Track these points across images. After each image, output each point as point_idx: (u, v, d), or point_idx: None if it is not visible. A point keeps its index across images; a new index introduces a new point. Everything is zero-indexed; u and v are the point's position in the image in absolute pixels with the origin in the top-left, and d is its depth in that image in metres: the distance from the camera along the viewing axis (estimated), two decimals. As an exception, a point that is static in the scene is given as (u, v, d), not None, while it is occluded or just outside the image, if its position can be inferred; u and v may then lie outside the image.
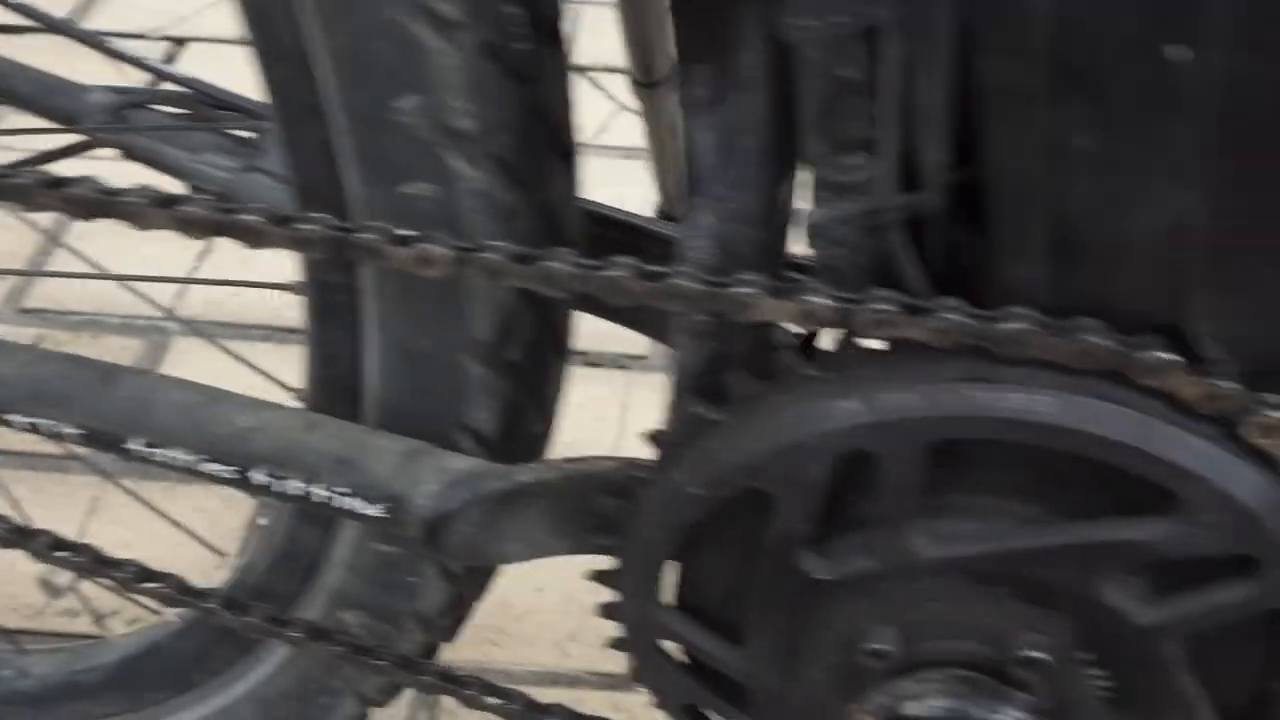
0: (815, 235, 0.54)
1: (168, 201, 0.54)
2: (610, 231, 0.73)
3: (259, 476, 0.62)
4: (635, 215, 0.73)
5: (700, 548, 0.60)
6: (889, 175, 0.52)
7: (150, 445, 0.63)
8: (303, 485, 0.62)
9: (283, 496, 0.63)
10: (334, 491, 0.62)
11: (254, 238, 0.53)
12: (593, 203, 0.73)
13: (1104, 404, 0.50)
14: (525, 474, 0.62)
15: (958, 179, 0.53)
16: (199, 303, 1.61)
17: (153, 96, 0.83)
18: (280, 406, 0.64)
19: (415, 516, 0.62)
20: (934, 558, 0.54)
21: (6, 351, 0.67)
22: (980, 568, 0.54)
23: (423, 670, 0.76)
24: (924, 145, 0.51)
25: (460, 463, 0.62)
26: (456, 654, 1.29)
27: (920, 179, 0.52)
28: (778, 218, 0.58)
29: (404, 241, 0.53)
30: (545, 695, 1.32)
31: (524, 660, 1.29)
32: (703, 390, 0.58)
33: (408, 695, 1.23)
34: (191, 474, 0.64)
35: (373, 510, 0.62)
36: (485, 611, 1.34)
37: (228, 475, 0.63)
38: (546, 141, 0.58)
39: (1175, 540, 0.51)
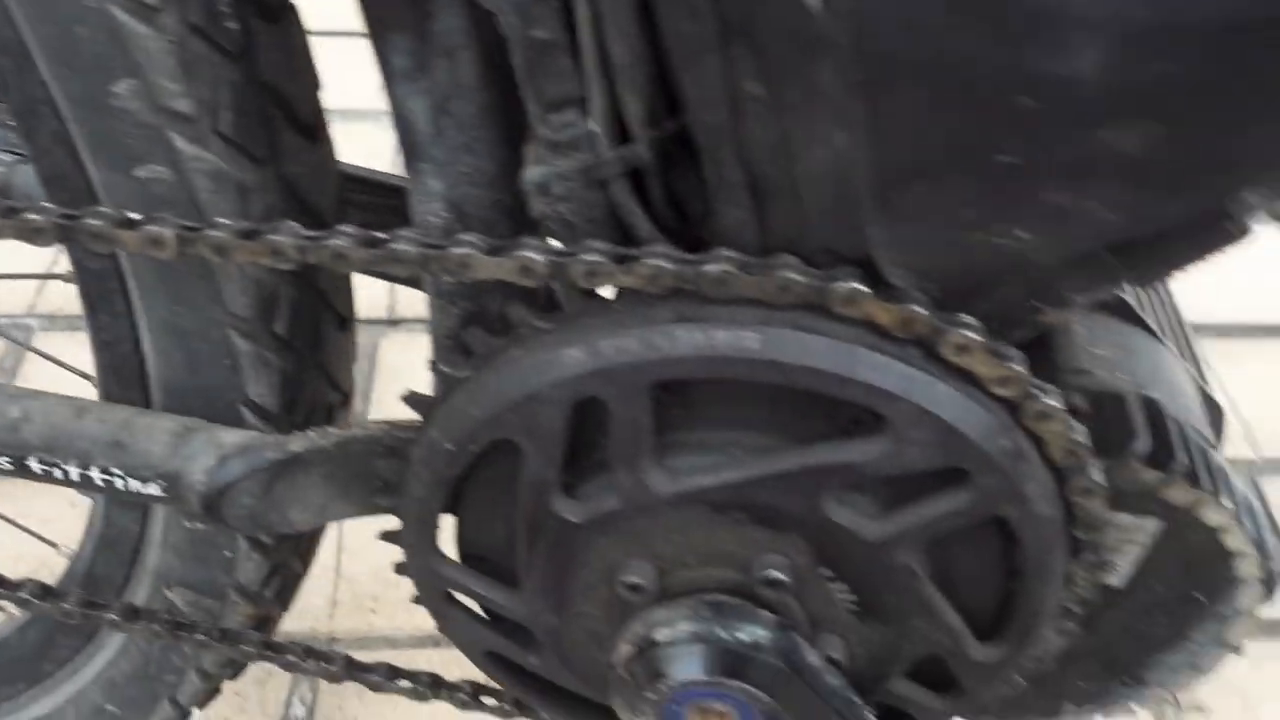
0: (536, 192, 0.55)
1: (-108, 201, 0.55)
2: (388, 197, 0.74)
3: (35, 465, 0.63)
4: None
5: (469, 500, 0.63)
6: (601, 131, 0.54)
7: (-77, 442, 0.64)
8: (78, 470, 0.63)
9: (65, 482, 0.64)
10: (110, 474, 0.63)
11: (-21, 231, 0.54)
12: (369, 170, 0.75)
13: (806, 335, 0.53)
14: (299, 443, 0.64)
15: (667, 130, 0.55)
16: (60, 297, 1.60)
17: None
18: (49, 395, 0.65)
19: (192, 491, 0.63)
20: (672, 493, 0.56)
21: None
22: (716, 498, 0.57)
23: (242, 641, 0.77)
24: (626, 100, 0.53)
25: (233, 436, 0.64)
26: (337, 624, 1.32)
27: (630, 133, 0.54)
28: (511, 177, 0.59)
29: (129, 225, 0.54)
30: (424, 658, 1.35)
31: (403, 625, 1.31)
32: (452, 349, 0.60)
33: (287, 675, 1.25)
34: (-30, 468, 0.65)
35: (151, 489, 0.64)
36: (363, 580, 1.37)
37: (5, 466, 0.64)
38: (279, 116, 0.59)
39: (887, 458, 0.54)
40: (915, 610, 0.60)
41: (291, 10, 0.60)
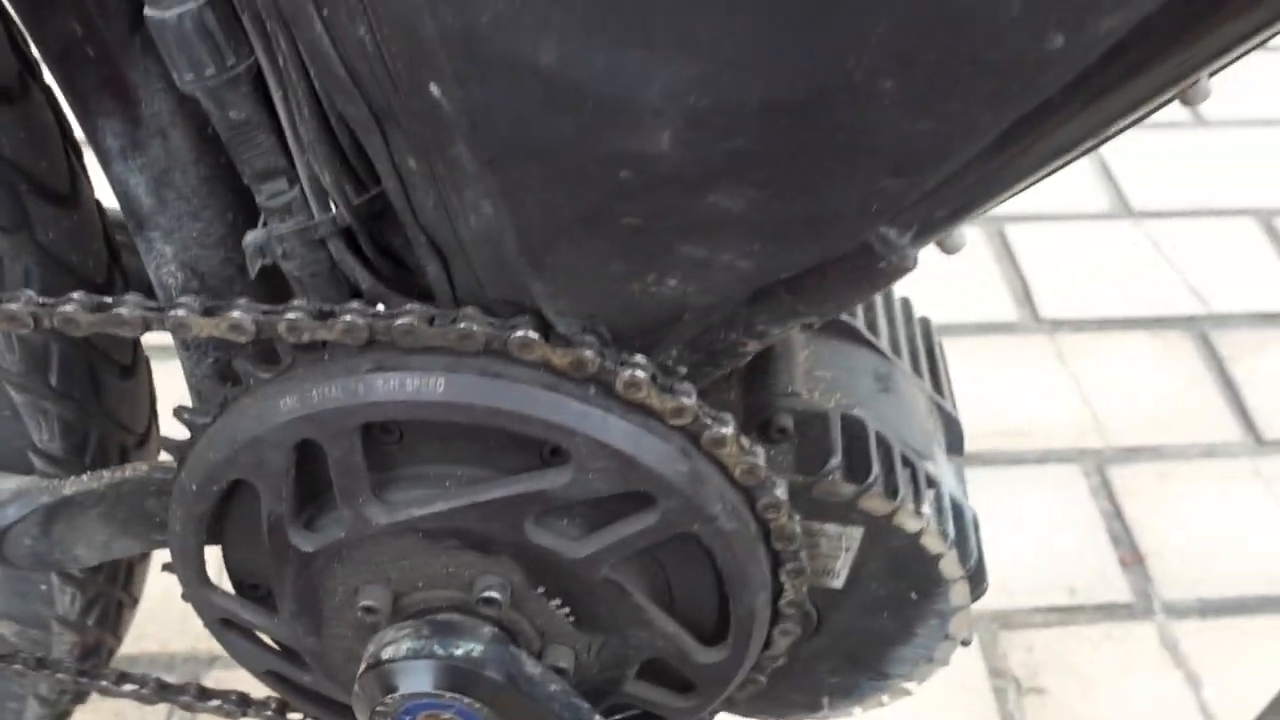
0: (254, 254, 0.61)
1: None
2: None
3: None
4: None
5: (229, 533, 0.68)
6: (306, 198, 0.59)
7: None
8: None
9: None
10: (-104, 522, 0.68)
11: None
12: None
13: (488, 379, 0.58)
14: (71, 486, 0.69)
15: (365, 196, 0.60)
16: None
17: None
18: None
19: (-27, 535, 0.68)
20: (388, 523, 0.62)
21: None
22: (429, 527, 0.62)
23: (60, 669, 0.82)
24: (318, 172, 0.58)
25: (8, 482, 0.69)
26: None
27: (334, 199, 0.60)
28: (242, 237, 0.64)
29: (-124, 298, 0.59)
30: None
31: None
32: (196, 397, 0.66)
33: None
34: None
35: (-64, 534, 0.69)
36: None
37: None
38: (26, 188, 0.64)
39: (574, 486, 0.60)
40: (631, 620, 0.66)
41: (34, 89, 0.65)
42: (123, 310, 0.59)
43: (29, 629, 0.86)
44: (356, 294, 0.63)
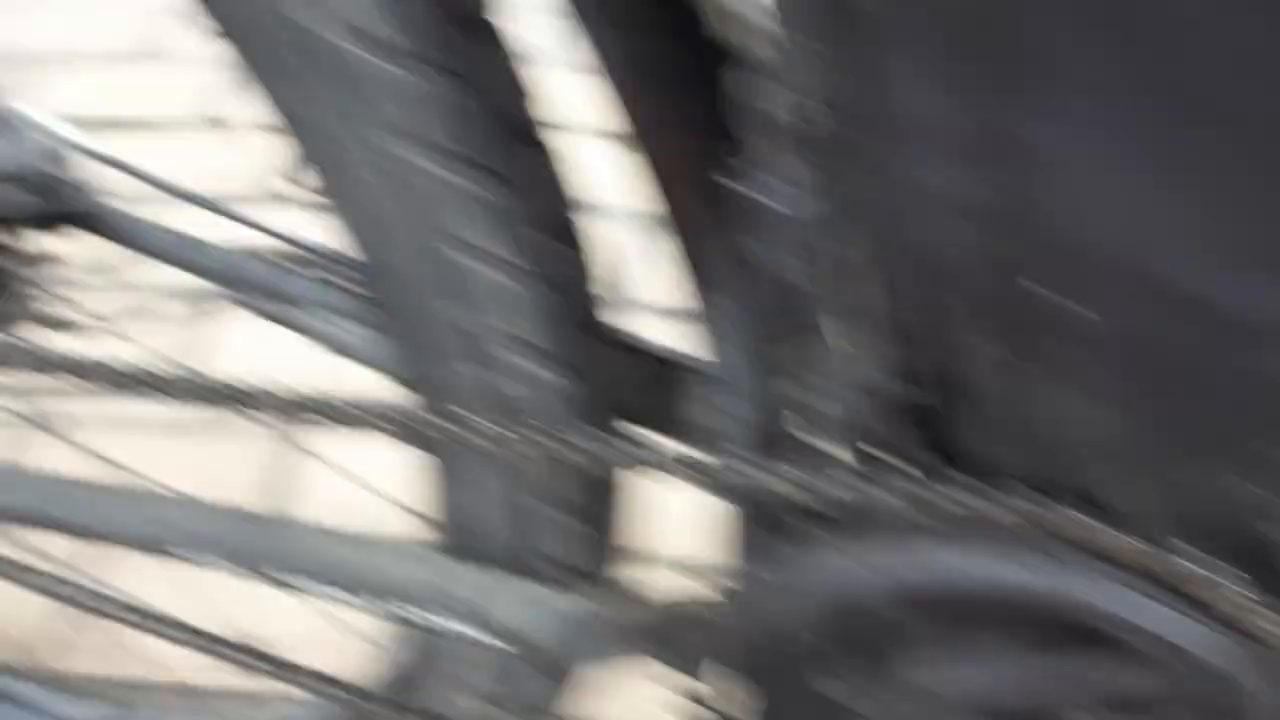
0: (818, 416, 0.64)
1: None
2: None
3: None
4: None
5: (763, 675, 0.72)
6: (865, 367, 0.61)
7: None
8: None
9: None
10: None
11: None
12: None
13: (1096, 579, 0.59)
14: (610, 608, 0.74)
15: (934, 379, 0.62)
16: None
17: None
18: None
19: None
20: (931, 694, 0.64)
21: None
22: (971, 702, 0.64)
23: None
24: (883, 344, 0.60)
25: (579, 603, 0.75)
26: None
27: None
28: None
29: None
30: None
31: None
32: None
33: None
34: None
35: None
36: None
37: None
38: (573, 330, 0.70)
39: (1151, 688, 0.60)
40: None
41: None
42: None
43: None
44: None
